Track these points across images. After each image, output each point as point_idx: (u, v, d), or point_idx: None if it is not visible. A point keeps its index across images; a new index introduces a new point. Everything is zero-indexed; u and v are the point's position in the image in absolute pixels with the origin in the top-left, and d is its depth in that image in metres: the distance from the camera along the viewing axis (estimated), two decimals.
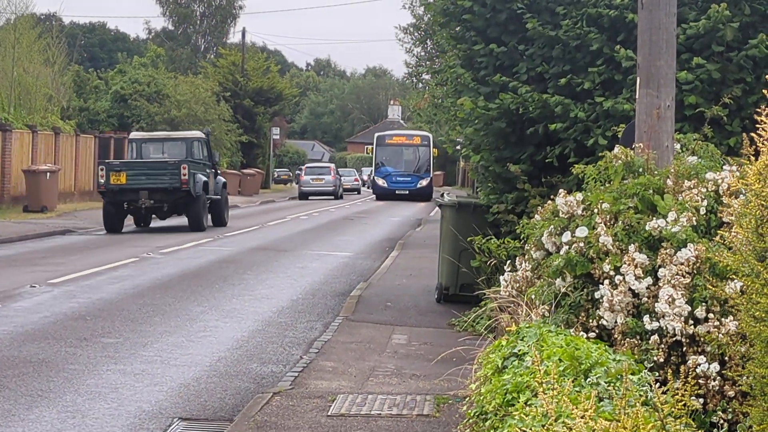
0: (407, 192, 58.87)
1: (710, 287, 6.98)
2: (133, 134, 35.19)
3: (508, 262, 10.22)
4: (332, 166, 67.57)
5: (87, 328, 13.07)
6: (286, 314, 14.73)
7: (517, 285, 8.88)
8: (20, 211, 34.96)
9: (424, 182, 60.24)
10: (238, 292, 16.91)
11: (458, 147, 29.29)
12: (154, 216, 31.09)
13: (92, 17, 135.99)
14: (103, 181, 29.38)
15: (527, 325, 7.25)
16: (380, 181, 60.71)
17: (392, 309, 15.14)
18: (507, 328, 7.56)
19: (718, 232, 7.10)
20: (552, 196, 9.05)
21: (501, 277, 9.38)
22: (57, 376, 10.28)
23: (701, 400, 7.03)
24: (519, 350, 6.66)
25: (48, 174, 35.94)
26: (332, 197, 60.74)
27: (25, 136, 38.61)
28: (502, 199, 13.95)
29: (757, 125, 5.85)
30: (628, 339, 7.46)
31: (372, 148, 63.38)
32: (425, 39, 35.67)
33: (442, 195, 16.74)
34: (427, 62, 37.27)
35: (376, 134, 65.02)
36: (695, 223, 7.74)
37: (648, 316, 7.42)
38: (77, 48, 75.85)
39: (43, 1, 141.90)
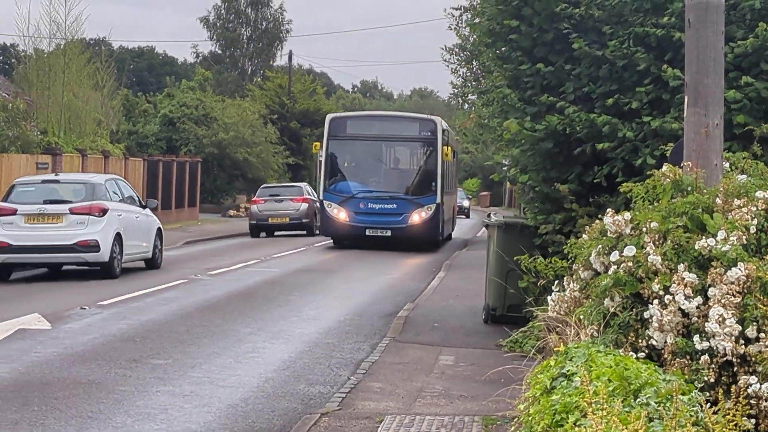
0: (388, 233, 32.14)
1: (761, 306, 6.91)
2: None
3: (556, 282, 10.17)
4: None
5: (136, 349, 13.14)
6: (333, 335, 14.74)
7: (565, 305, 8.83)
8: None
9: (423, 213, 32.31)
10: (285, 313, 16.94)
11: (505, 168, 29.26)
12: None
13: (141, 42, 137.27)
14: None
15: (576, 346, 7.20)
16: (336, 211, 32.53)
17: (439, 330, 15.11)
18: (555, 349, 7.52)
19: None
20: (600, 216, 9.00)
21: (549, 298, 9.34)
22: (107, 397, 10.34)
23: (753, 421, 6.95)
24: (568, 370, 6.62)
25: None
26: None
27: (75, 159, 38.98)
28: (549, 219, 13.88)
29: None
30: (678, 359, 7.39)
31: (321, 143, 33.99)
32: (471, 60, 35.68)
33: (488, 215, 16.70)
34: (473, 82, 37.25)
35: (330, 117, 34.87)
36: (745, 242, 7.68)
37: (698, 335, 7.35)
38: (126, 72, 76.51)
39: (92, 27, 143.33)
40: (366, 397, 10.39)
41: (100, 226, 21.73)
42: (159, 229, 25.06)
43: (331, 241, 34.12)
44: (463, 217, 65.22)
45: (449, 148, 33.85)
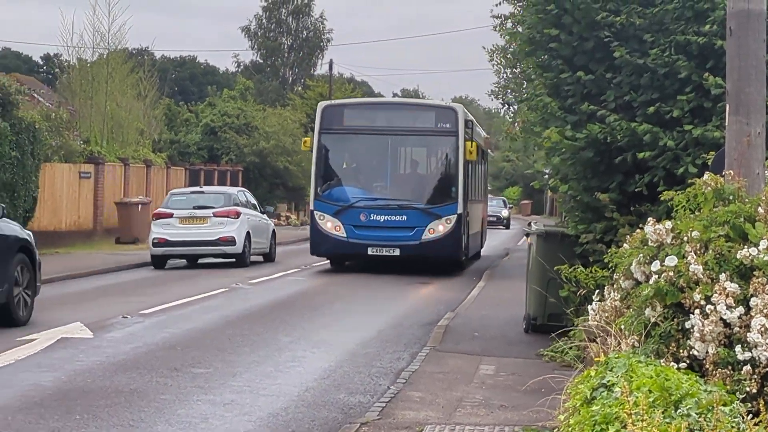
0: (395, 252, 26.10)
1: None
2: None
3: (597, 291, 10.13)
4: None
5: (178, 358, 13.20)
6: (373, 344, 14.74)
7: (606, 315, 8.79)
8: (113, 243, 35.51)
9: (441, 227, 26.19)
10: (326, 322, 16.97)
11: (546, 176, 29.11)
12: None
13: (183, 51, 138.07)
14: None
15: (616, 356, 7.17)
16: (329, 224, 26.40)
17: (480, 339, 15.08)
18: (596, 359, 7.49)
19: None
20: (641, 225, 8.96)
21: (589, 307, 9.31)
22: (148, 406, 10.39)
23: None
24: (608, 381, 6.59)
25: (140, 206, 36.48)
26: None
27: (117, 168, 39.31)
28: (590, 228, 13.83)
29: None
30: (719, 369, 7.34)
31: (311, 139, 27.51)
32: (515, 64, 35.49)
33: (529, 224, 16.66)
34: (514, 87, 37.10)
35: (322, 105, 28.11)
36: None
37: (740, 346, 7.30)
38: (168, 81, 77.04)
39: (135, 37, 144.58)
40: (406, 407, 10.38)
41: (236, 226, 27.76)
42: (273, 230, 31.12)
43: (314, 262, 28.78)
44: (502, 228, 62.18)
45: (474, 144, 27.01)
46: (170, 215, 27.76)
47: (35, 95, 46.23)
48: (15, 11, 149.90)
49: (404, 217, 26.09)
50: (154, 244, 27.57)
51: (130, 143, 44.65)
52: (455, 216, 26.19)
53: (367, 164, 27.65)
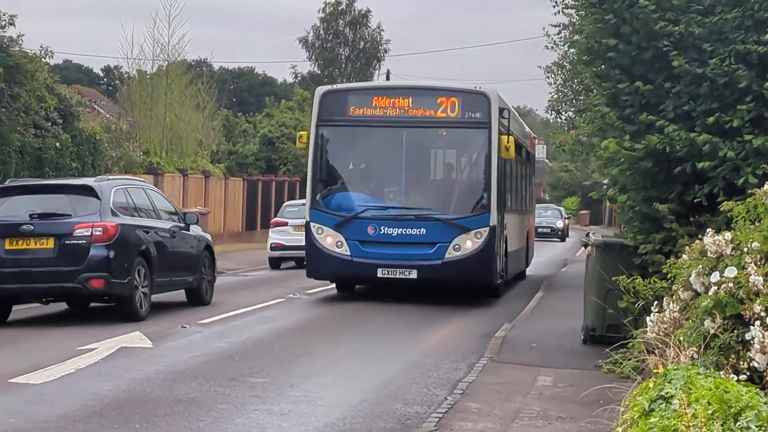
0: (412, 274, 21.18)
1: None
2: None
3: (655, 302, 10.06)
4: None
5: (236, 367, 13.27)
6: (430, 355, 14.73)
7: (665, 326, 8.74)
8: None
9: (469, 242, 21.08)
10: (382, 333, 16.98)
11: (604, 186, 28.84)
12: None
13: (241, 63, 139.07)
14: None
15: (675, 368, 7.12)
16: (329, 239, 21.48)
17: (537, 350, 15.02)
18: (654, 370, 7.44)
19: None
20: (700, 236, 8.90)
21: (648, 318, 9.25)
22: (206, 415, 10.45)
23: None
24: (666, 393, 6.54)
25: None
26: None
27: (176, 179, 39.65)
28: (649, 239, 13.74)
29: None
30: None
31: (308, 133, 22.49)
32: (572, 78, 35.27)
33: (587, 235, 16.56)
34: (571, 98, 36.80)
35: (321, 90, 22.37)
36: None
37: None
38: (226, 93, 77.56)
39: (194, 48, 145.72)
40: (463, 418, 10.35)
41: None
42: None
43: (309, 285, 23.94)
44: (557, 240, 57.70)
45: (511, 139, 21.77)
46: (285, 224, 31.89)
47: (96, 107, 46.69)
48: (76, 24, 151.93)
49: (423, 231, 21.07)
50: (272, 248, 32.14)
51: (188, 154, 45.02)
52: (487, 229, 20.96)
53: (376, 164, 22.49)
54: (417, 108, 21.64)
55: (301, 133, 23.08)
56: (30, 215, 17.02)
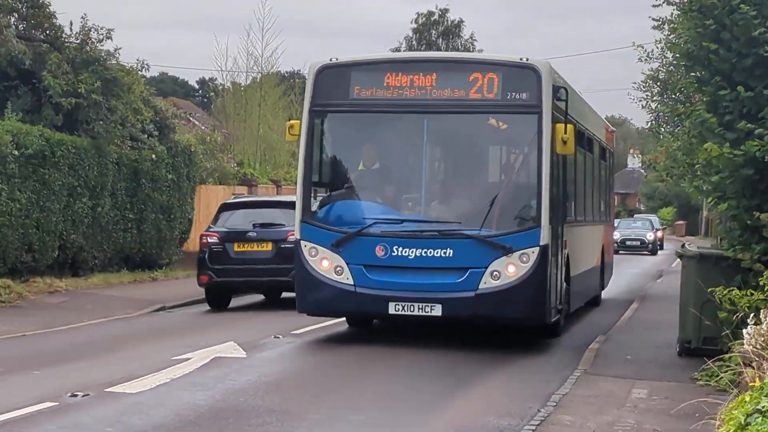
0: (435, 310, 15.51)
1: None
2: None
3: (752, 315, 9.89)
4: None
5: (328, 378, 13.31)
6: (523, 367, 14.63)
7: (762, 339, 8.59)
8: None
9: (511, 267, 15.28)
10: (476, 342, 16.91)
11: (700, 197, 28.25)
12: None
13: None
14: None
15: None
16: (326, 263, 15.74)
17: (632, 362, 14.85)
18: (751, 384, 7.32)
19: None
20: None
21: (744, 331, 9.10)
22: (300, 426, 10.49)
23: None
24: (763, 407, 6.43)
25: None
26: None
27: (270, 190, 39.99)
28: (748, 249, 13.52)
29: None
30: None
31: (300, 122, 16.55)
32: (663, 93, 34.54)
33: (683, 246, 16.33)
34: (668, 114, 36.07)
35: (317, 66, 16.31)
36: None
37: None
38: None
39: (287, 60, 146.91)
40: (556, 430, 10.28)
41: None
42: None
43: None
44: (647, 253, 52.32)
45: (570, 127, 15.99)
46: None
47: (191, 119, 47.38)
48: (172, 37, 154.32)
49: (450, 252, 15.53)
50: None
51: (282, 165, 45.39)
52: (536, 249, 15.40)
53: (387, 163, 16.88)
54: (443, 87, 15.98)
55: (291, 122, 17.07)
56: (253, 225, 21.91)
